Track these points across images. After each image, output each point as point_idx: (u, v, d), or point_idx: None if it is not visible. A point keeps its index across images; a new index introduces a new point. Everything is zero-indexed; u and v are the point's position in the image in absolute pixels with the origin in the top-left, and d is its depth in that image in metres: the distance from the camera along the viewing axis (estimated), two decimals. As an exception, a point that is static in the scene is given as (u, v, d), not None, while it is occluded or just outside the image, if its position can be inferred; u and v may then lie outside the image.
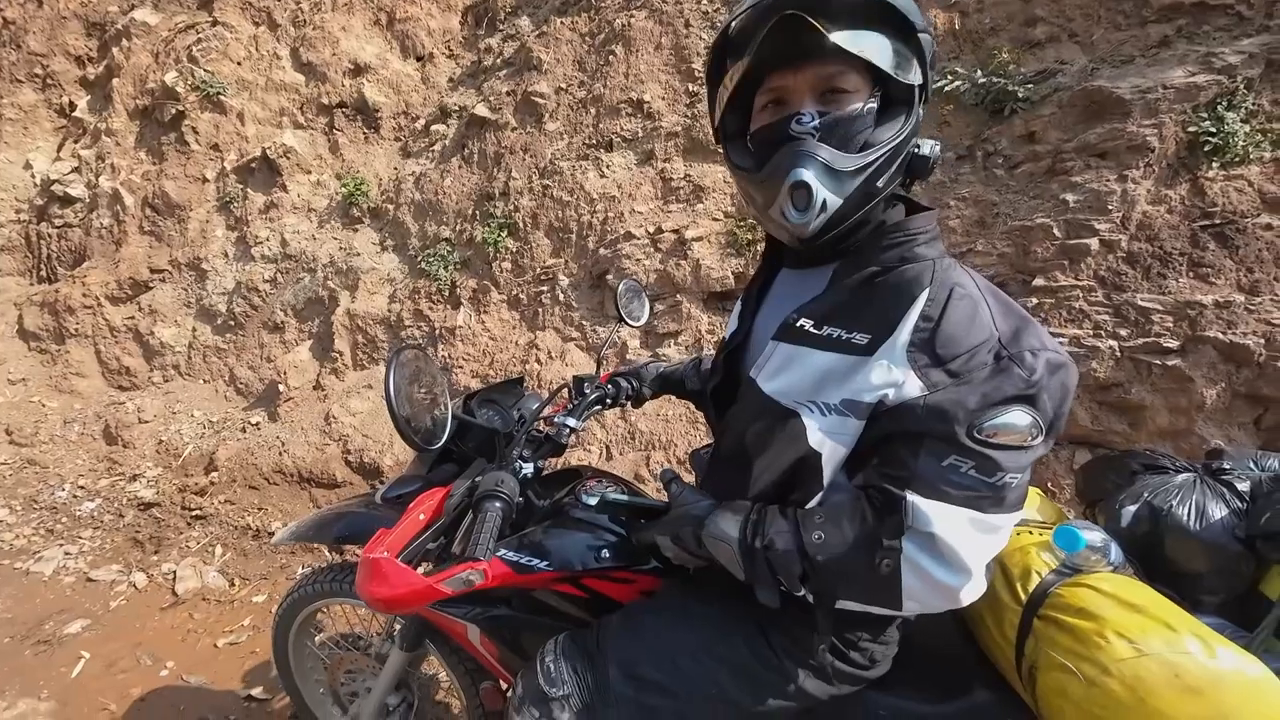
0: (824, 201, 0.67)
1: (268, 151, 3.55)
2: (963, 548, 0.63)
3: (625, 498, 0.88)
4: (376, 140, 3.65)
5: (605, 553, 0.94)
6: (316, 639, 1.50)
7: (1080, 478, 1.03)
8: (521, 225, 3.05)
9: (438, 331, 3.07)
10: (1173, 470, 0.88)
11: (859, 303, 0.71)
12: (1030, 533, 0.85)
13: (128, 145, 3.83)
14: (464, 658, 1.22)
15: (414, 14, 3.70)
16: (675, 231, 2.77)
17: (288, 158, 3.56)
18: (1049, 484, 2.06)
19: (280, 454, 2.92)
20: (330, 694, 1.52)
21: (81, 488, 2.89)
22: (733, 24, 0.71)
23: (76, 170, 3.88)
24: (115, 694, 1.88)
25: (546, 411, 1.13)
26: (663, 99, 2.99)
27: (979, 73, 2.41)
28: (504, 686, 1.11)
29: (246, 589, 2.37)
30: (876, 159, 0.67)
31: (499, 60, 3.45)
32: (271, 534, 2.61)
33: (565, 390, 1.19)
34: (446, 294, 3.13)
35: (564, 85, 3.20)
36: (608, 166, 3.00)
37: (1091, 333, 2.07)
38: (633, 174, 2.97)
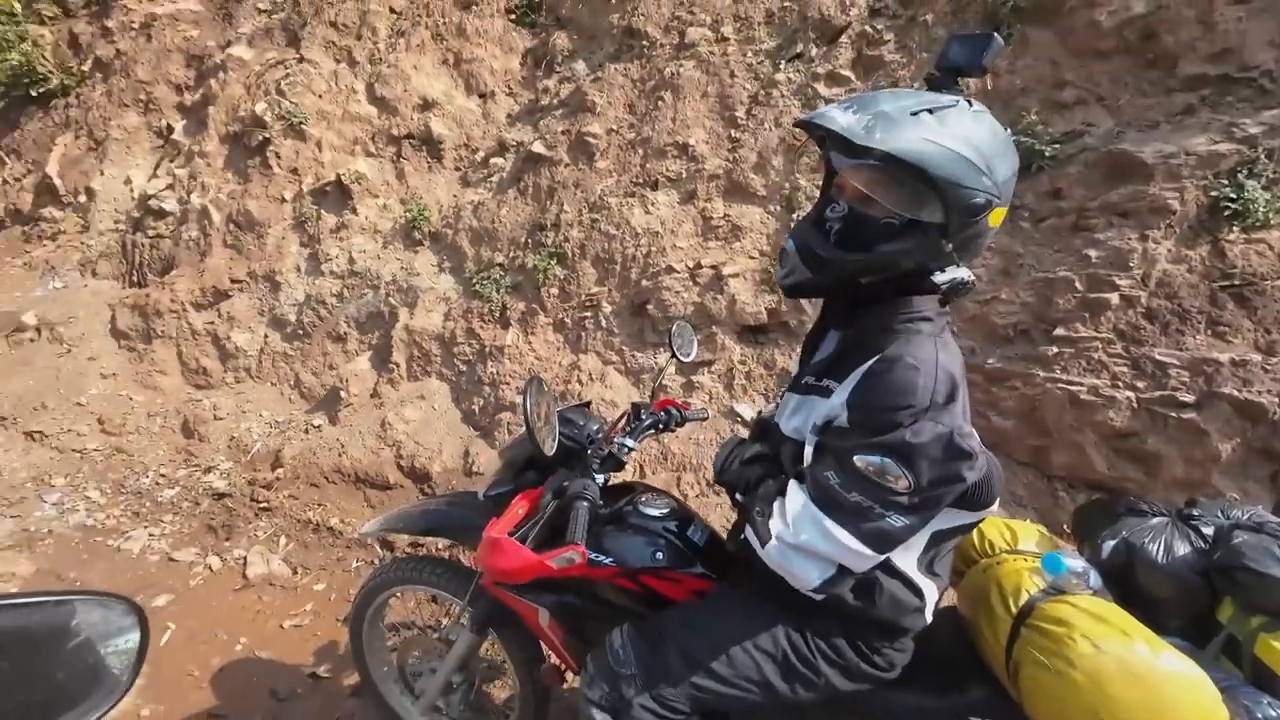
0: (793, 269, 0.90)
1: (341, 176, 3.89)
2: (796, 527, 0.84)
3: None
4: (439, 169, 3.96)
5: (659, 554, 1.11)
6: (388, 621, 1.69)
7: (1074, 518, 1.17)
8: (570, 254, 3.28)
9: (487, 349, 3.30)
10: (1150, 514, 1.02)
11: (845, 360, 0.91)
12: (1025, 560, 1.00)
13: (217, 166, 4.23)
14: (523, 644, 1.40)
15: (479, 55, 4.03)
16: (713, 267, 2.97)
17: (359, 183, 3.89)
18: (1064, 525, 2.16)
19: (339, 455, 3.17)
20: (395, 672, 1.70)
21: (163, 476, 3.19)
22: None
23: (170, 187, 4.28)
24: (198, 663, 2.11)
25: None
26: (706, 143, 3.22)
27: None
28: (562, 668, 1.29)
29: (308, 578, 2.60)
30: (858, 260, 0.85)
31: (555, 100, 3.74)
32: (330, 529, 2.84)
33: (625, 415, 1.38)
34: (497, 315, 3.37)
35: (615, 127, 3.46)
36: (652, 204, 3.22)
37: (1109, 383, 2.18)
38: (675, 212, 3.19)
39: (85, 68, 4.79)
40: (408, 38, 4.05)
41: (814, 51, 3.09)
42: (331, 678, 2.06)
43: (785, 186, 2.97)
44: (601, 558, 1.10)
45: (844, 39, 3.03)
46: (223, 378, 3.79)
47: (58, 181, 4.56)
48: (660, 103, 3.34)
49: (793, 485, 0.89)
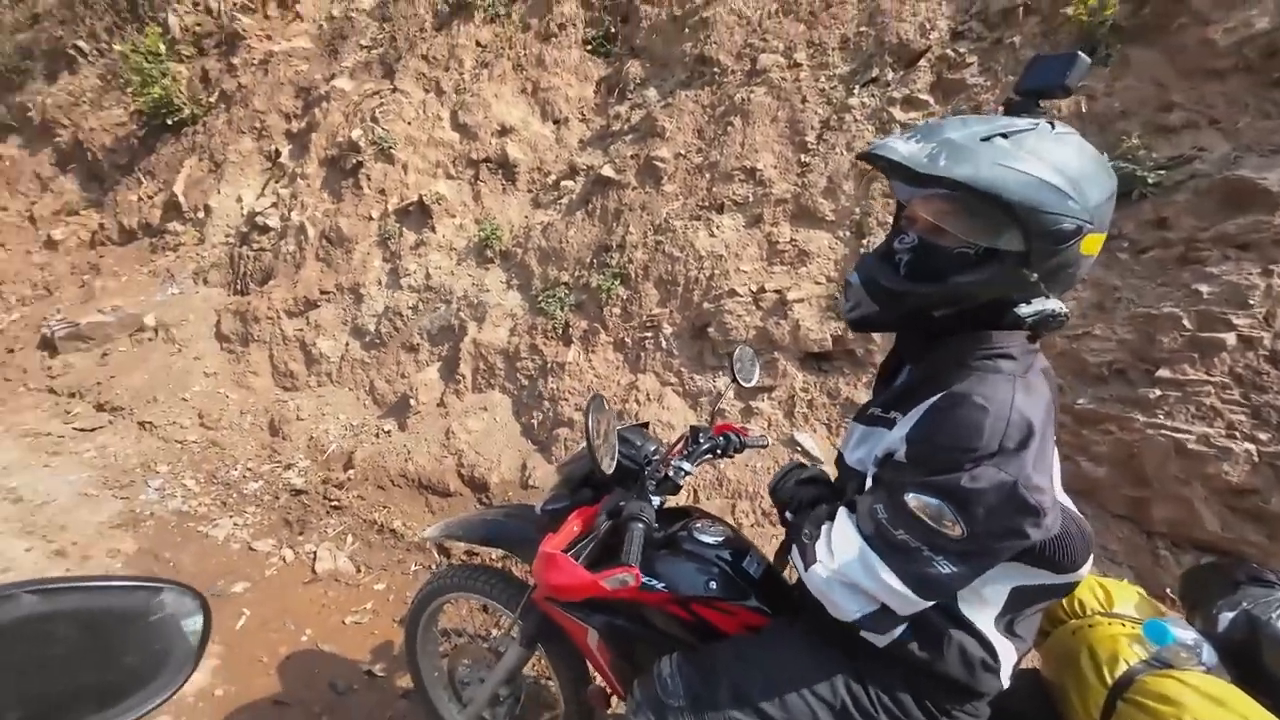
0: (859, 301, 0.88)
1: (423, 197, 4.14)
2: (840, 556, 0.82)
3: None
4: (512, 191, 4.14)
5: (713, 584, 1.08)
6: (441, 626, 1.73)
7: (1182, 582, 1.04)
8: (633, 276, 3.33)
9: (549, 366, 3.38)
10: (1278, 585, 0.89)
11: (913, 393, 0.87)
12: (1123, 625, 0.90)
13: (315, 187, 4.61)
14: (570, 663, 1.39)
15: (556, 84, 4.21)
16: (777, 292, 2.92)
17: (439, 204, 4.12)
18: (1166, 589, 1.94)
19: (406, 461, 3.31)
20: (445, 678, 1.73)
21: (249, 469, 3.44)
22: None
23: (274, 205, 4.71)
24: (266, 649, 2.23)
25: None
26: (775, 168, 3.20)
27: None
28: (608, 691, 1.27)
29: (370, 576, 2.71)
30: (929, 291, 0.81)
31: (626, 126, 3.84)
32: (393, 531, 2.96)
33: (684, 438, 1.37)
34: (560, 332, 3.45)
35: (683, 151, 3.50)
36: (717, 227, 3.22)
37: (1224, 432, 1.96)
38: (740, 235, 3.17)
39: (212, 99, 5.38)
40: (490, 68, 4.30)
41: (890, 76, 3.02)
42: (386, 677, 2.12)
43: (855, 212, 2.90)
44: (654, 582, 1.09)
45: (922, 63, 2.95)
46: (307, 381, 4.07)
47: (182, 199, 5.11)
48: (729, 128, 3.35)
49: (842, 513, 0.86)
